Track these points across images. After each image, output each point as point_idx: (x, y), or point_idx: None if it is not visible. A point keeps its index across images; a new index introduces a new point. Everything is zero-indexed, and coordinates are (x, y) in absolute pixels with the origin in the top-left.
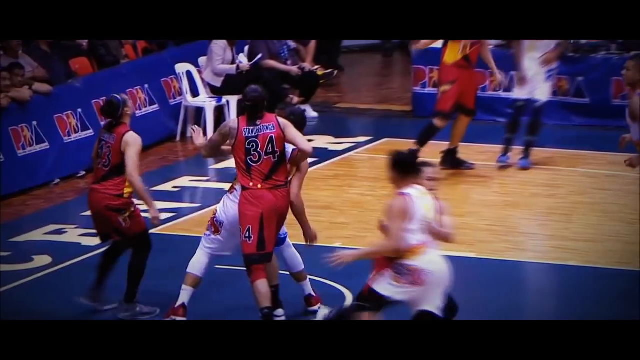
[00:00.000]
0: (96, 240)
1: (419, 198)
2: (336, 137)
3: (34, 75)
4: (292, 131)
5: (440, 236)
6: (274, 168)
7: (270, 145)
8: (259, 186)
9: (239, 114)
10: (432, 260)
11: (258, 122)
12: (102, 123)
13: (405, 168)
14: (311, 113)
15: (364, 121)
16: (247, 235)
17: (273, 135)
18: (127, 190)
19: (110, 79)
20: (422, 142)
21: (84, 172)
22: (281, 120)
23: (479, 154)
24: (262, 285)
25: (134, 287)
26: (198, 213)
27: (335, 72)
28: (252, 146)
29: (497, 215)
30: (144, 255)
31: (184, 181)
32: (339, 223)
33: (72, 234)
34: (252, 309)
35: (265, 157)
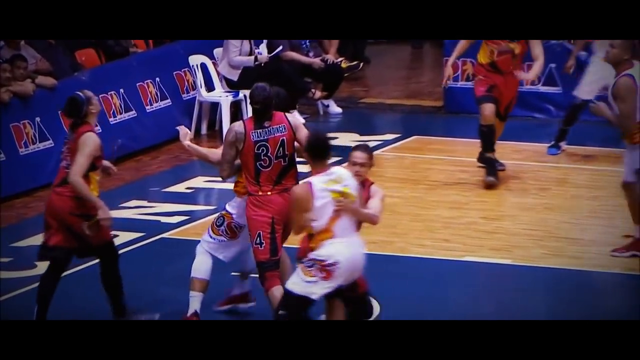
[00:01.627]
0: None
1: (328, 184)
2: (361, 134)
3: (37, 68)
4: (303, 134)
5: (364, 218)
6: (284, 172)
7: (281, 149)
8: (269, 193)
9: None
10: (339, 250)
11: (267, 124)
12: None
13: (315, 152)
14: (335, 109)
15: (391, 117)
16: (257, 241)
17: (285, 138)
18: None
19: (119, 71)
20: (485, 146)
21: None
22: (292, 119)
23: (515, 152)
24: (278, 292)
25: (119, 300)
26: (213, 216)
27: (361, 64)
28: (262, 151)
29: (535, 219)
30: (114, 265)
31: (198, 182)
32: (364, 227)
33: None
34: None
35: (275, 162)
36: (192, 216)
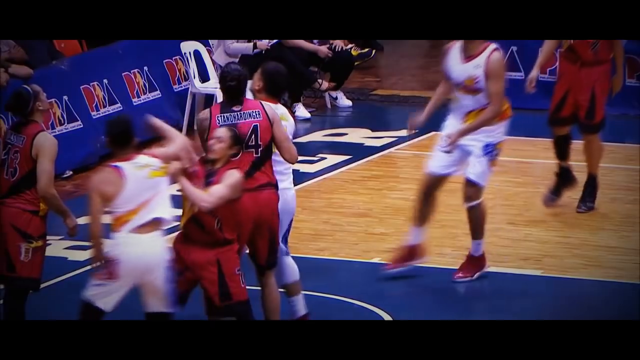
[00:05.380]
0: (85, 255)
1: (138, 169)
2: (374, 130)
3: (10, 56)
4: (281, 130)
5: (187, 193)
6: (255, 165)
7: (253, 137)
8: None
9: None
10: (125, 244)
11: (236, 109)
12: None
13: (117, 138)
14: (344, 101)
15: (407, 111)
16: None
17: (258, 124)
18: (44, 206)
19: (103, 60)
20: (561, 156)
21: (70, 172)
22: (269, 109)
23: (546, 150)
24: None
25: None
26: None
27: (373, 51)
28: None
29: (568, 225)
30: (24, 300)
31: None
32: (377, 234)
33: (57, 247)
34: None
35: (245, 151)
36: None
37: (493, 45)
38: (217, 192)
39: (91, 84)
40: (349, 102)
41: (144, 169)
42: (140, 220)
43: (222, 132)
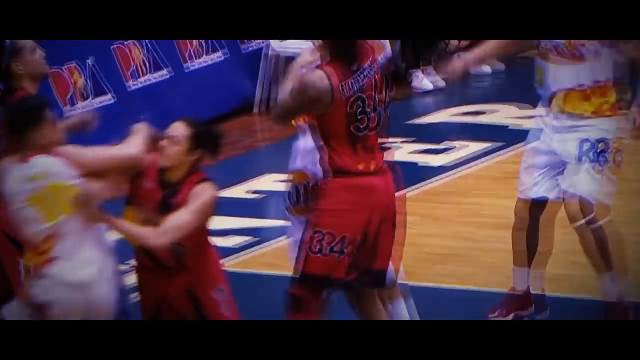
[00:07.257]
0: None
1: (26, 181)
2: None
3: None
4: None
5: (126, 234)
6: (380, 133)
7: (378, 97)
8: (372, 168)
9: None
10: (62, 292)
11: (356, 67)
12: None
13: (13, 127)
14: None
15: None
16: (336, 248)
17: (377, 78)
18: None
19: None
20: None
21: None
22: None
23: None
24: None
25: None
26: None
27: None
28: (358, 106)
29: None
30: None
31: (267, 182)
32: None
33: None
34: None
35: (374, 116)
36: (260, 237)
37: None
38: (173, 224)
39: (126, 43)
40: None
41: (31, 182)
42: (63, 259)
43: (176, 129)
